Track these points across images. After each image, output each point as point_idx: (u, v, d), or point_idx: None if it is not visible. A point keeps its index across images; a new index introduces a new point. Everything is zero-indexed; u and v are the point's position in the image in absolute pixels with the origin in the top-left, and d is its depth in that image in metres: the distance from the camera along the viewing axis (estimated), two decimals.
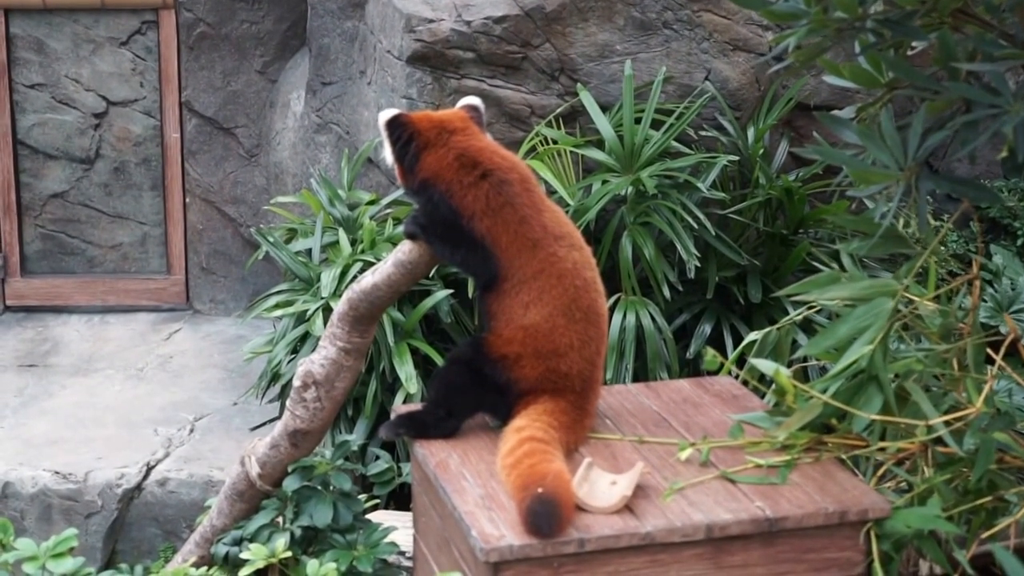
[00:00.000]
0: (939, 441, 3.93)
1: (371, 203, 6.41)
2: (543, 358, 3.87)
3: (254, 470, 4.41)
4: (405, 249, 4.10)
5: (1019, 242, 5.90)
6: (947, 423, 3.89)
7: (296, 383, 4.36)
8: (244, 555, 4.21)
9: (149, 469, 6.28)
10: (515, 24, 6.15)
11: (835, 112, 4.19)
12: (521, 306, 3.88)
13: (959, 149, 3.72)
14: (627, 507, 3.62)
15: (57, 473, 6.22)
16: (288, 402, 4.42)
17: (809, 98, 6.30)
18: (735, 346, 5.73)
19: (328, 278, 6.00)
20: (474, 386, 3.94)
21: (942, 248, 4.54)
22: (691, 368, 5.91)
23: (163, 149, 7.80)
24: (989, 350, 4.11)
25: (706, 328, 5.94)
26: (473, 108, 4.13)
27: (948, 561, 3.78)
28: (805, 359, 5.14)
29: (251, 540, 4.29)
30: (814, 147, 4.39)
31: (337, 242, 6.22)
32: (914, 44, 4.06)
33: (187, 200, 7.82)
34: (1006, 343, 4.03)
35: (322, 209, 6.37)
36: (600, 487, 3.67)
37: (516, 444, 3.72)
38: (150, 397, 6.93)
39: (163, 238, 7.92)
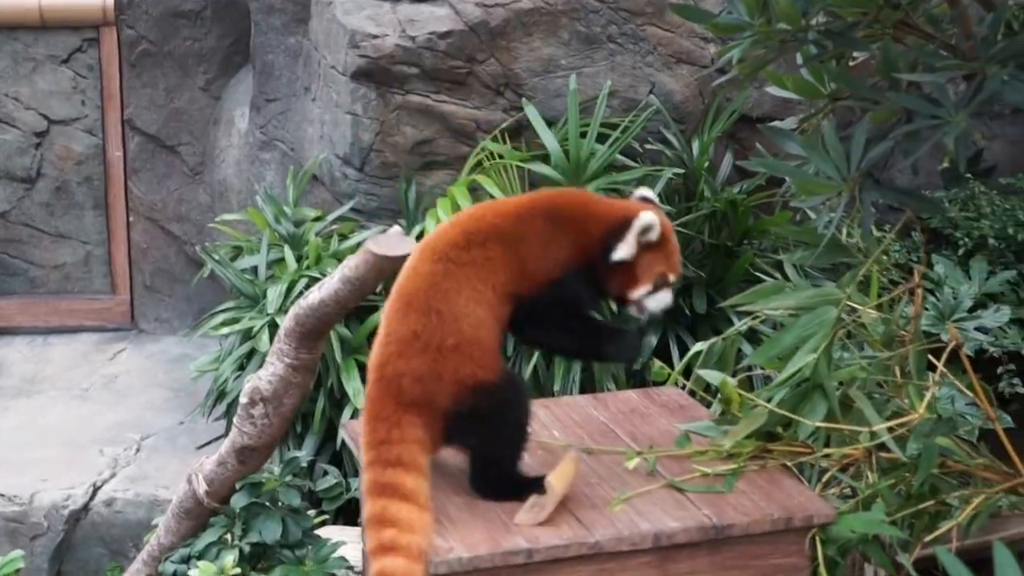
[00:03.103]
0: (883, 447, 3.97)
1: (317, 219, 6.40)
2: None
3: (201, 487, 4.39)
4: (352, 264, 4.09)
5: (960, 252, 5.97)
6: (890, 429, 3.93)
7: (243, 400, 4.35)
8: (192, 573, 4.19)
9: (95, 490, 6.23)
10: (460, 39, 6.16)
11: (777, 123, 4.22)
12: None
13: (901, 160, 3.76)
14: (575, 517, 3.63)
15: (2, 496, 6.16)
16: (236, 419, 4.40)
17: (752, 110, 6.34)
18: (681, 357, 5.75)
19: (274, 295, 5.99)
20: None
21: (884, 258, 4.59)
22: (638, 379, 5.93)
23: (105, 167, 7.75)
24: (932, 358, 4.16)
25: (652, 339, 5.96)
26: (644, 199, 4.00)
27: (892, 565, 3.81)
28: (750, 368, 5.17)
29: (199, 558, 4.27)
30: (758, 159, 4.45)
31: (283, 259, 6.21)
32: (856, 55, 4.11)
33: (131, 219, 7.78)
34: (947, 350, 4.07)
35: (267, 226, 6.36)
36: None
37: None
38: (95, 417, 6.87)
39: (106, 257, 7.86)
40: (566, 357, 3.94)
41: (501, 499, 3.71)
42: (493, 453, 3.75)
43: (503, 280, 3.71)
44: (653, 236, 3.75)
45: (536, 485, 3.67)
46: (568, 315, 3.80)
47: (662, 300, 3.81)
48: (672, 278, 3.81)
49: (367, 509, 3.60)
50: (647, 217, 3.74)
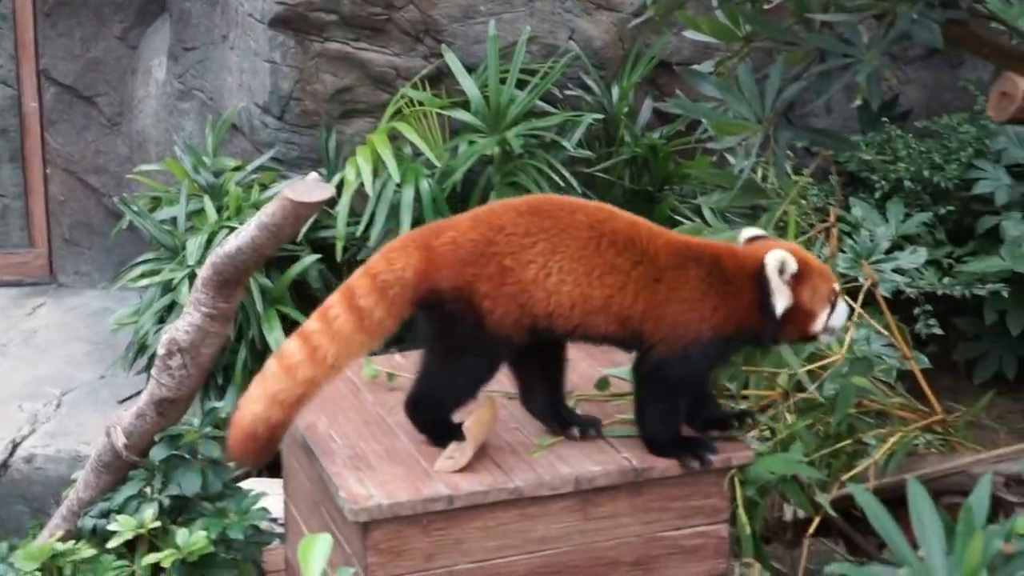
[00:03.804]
0: (800, 388, 4.00)
1: (236, 169, 6.34)
2: None
3: (120, 440, 4.35)
4: (268, 211, 4.05)
5: (877, 195, 6.01)
6: (809, 371, 3.96)
7: (161, 351, 4.31)
8: (112, 527, 4.16)
9: (15, 446, 6.16)
10: None
11: (694, 66, 4.22)
12: None
13: (814, 99, 3.78)
14: (495, 462, 3.63)
15: None
16: (153, 370, 4.36)
17: (671, 56, 6.33)
18: None
19: (194, 246, 5.93)
20: None
21: (803, 201, 4.61)
22: None
23: (21, 119, 7.62)
24: (849, 299, 4.19)
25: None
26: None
27: (811, 504, 3.85)
28: None
29: (119, 511, 4.24)
30: (675, 101, 4.45)
31: (203, 209, 6.14)
32: None
33: (48, 171, 7.66)
34: (863, 291, 4.10)
35: (187, 176, 6.29)
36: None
37: None
38: (14, 373, 6.78)
39: (24, 210, 7.74)
40: (637, 414, 3.79)
41: (425, 433, 3.75)
42: (435, 381, 3.74)
43: (621, 299, 3.60)
44: (793, 267, 3.61)
45: (458, 434, 3.67)
46: (677, 385, 3.68)
47: (842, 314, 3.70)
48: (836, 287, 3.69)
49: (328, 297, 3.73)
50: (774, 256, 3.62)
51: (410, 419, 3.79)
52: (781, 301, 3.62)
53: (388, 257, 3.70)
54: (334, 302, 3.69)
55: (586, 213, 3.70)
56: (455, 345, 3.67)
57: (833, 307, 3.66)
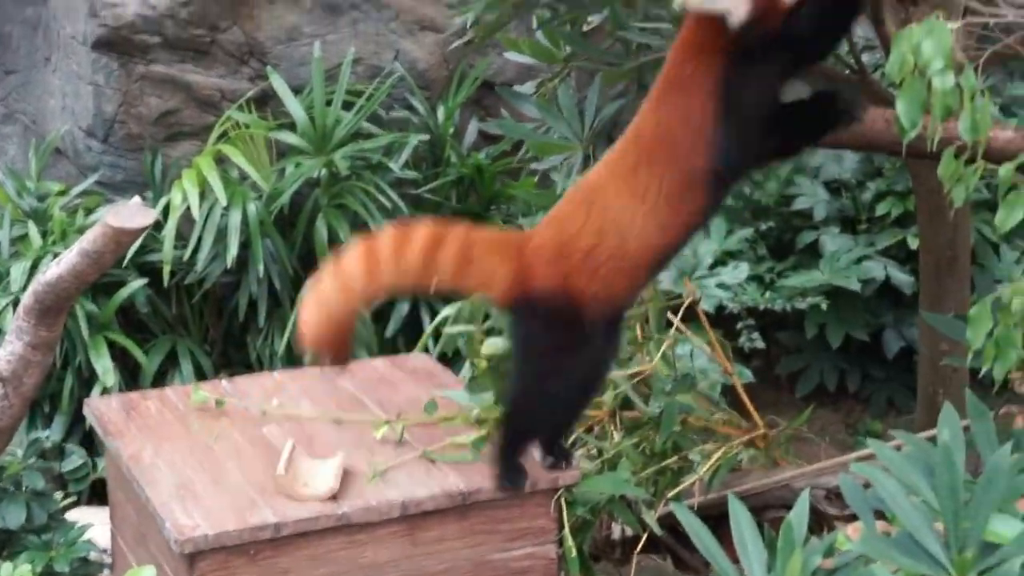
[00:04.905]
0: (627, 407, 4.05)
1: (61, 194, 6.23)
2: None
3: None
4: (90, 238, 3.99)
5: None
6: (633, 386, 4.02)
7: None
8: None
9: None
10: (201, 7, 6.05)
11: (517, 87, 4.27)
12: None
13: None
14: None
15: None
16: None
17: (496, 76, 6.38)
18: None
19: (18, 272, 5.82)
20: None
21: None
22: (391, 347, 5.93)
23: None
24: (673, 315, 4.27)
25: (403, 308, 5.96)
26: None
27: (638, 522, 3.90)
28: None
29: None
30: (498, 121, 4.49)
31: (27, 235, 6.03)
32: (590, 19, 4.17)
33: None
34: (683, 306, 4.18)
35: (10, 201, 6.17)
36: (303, 472, 3.66)
37: None
38: None
39: None
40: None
41: (494, 466, 3.66)
42: (513, 396, 3.66)
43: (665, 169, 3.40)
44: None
45: (520, 480, 3.65)
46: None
47: None
48: None
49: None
50: None
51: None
52: (736, 10, 3.26)
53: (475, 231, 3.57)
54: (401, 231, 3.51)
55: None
56: (537, 353, 3.55)
57: None
